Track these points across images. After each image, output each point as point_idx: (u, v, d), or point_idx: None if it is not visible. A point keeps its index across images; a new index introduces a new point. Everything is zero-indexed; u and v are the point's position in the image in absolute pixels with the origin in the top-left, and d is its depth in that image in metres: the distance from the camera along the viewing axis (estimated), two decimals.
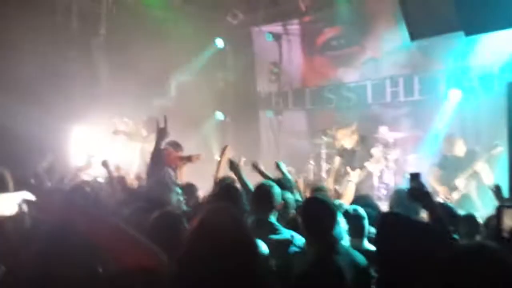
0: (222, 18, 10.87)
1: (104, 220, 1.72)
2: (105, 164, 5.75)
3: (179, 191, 4.48)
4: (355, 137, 7.79)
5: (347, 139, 7.80)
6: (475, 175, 6.86)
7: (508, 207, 1.96)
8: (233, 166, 4.87)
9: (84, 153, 7.34)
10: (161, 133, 4.64)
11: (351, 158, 7.59)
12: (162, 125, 4.65)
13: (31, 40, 8.48)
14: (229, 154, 5.36)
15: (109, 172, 5.66)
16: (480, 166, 6.81)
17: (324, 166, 9.42)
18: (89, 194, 4.24)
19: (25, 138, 7.78)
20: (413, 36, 5.94)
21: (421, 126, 8.85)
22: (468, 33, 5.58)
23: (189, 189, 4.93)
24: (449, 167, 7.18)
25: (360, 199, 4.72)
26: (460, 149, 7.16)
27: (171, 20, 9.87)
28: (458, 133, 7.59)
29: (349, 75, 10.40)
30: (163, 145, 4.88)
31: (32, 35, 8.42)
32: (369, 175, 7.65)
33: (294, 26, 11.02)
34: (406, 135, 8.78)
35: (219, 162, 5.46)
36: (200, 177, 6.28)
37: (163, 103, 10.59)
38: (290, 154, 10.53)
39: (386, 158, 8.06)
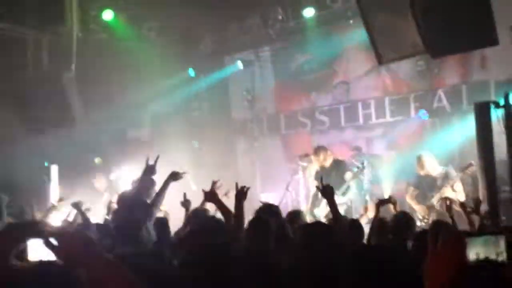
0: (194, 48, 10.95)
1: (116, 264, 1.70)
2: (76, 206, 5.67)
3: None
4: (330, 156, 7.93)
5: (328, 159, 7.92)
6: (451, 193, 6.97)
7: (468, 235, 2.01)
8: (210, 196, 4.51)
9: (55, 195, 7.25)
10: (149, 170, 4.58)
11: (327, 181, 7.64)
12: (151, 163, 4.59)
13: (2, 78, 8.43)
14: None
15: (81, 213, 5.57)
16: (455, 184, 6.93)
17: (302, 190, 9.44)
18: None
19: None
20: (381, 61, 6.08)
21: (394, 146, 9.00)
22: (434, 55, 5.76)
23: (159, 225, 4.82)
24: (424, 186, 7.29)
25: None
26: (433, 168, 7.28)
27: (143, 52, 9.90)
28: (430, 153, 7.72)
29: (322, 99, 10.56)
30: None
31: (2, 73, 8.37)
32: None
33: (266, 53, 11.16)
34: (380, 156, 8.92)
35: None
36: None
37: (138, 135, 10.57)
38: (267, 180, 10.56)
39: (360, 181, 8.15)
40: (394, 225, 4.33)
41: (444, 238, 1.55)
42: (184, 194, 5.36)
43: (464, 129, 7.71)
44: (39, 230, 1.73)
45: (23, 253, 2.63)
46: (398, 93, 9.47)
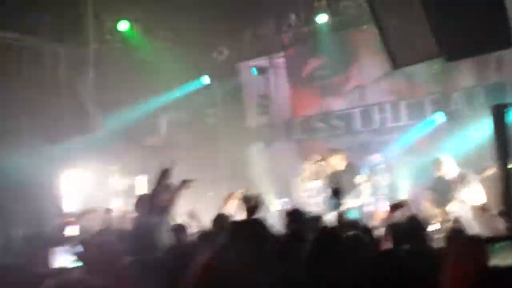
0: (208, 55, 11.03)
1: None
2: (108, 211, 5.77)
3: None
4: (344, 163, 7.97)
5: (339, 163, 7.94)
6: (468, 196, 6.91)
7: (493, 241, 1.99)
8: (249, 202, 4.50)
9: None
10: (164, 175, 4.63)
11: (340, 184, 7.64)
12: (167, 167, 4.64)
13: (20, 86, 8.58)
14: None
15: (109, 218, 5.65)
16: (473, 188, 6.87)
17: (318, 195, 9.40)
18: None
19: (17, 185, 7.79)
20: (396, 65, 6.04)
21: (411, 150, 8.94)
22: (449, 59, 5.72)
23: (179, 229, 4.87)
24: (442, 189, 7.22)
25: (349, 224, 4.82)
26: (450, 171, 7.22)
27: (158, 60, 10.00)
28: (447, 156, 7.66)
29: (337, 104, 10.55)
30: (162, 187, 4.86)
31: (20, 82, 8.52)
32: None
33: (279, 59, 11.18)
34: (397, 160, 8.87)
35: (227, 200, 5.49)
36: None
37: (154, 142, 10.66)
38: (282, 186, 10.55)
39: (375, 184, 8.11)
40: (405, 229, 4.29)
41: (463, 242, 1.55)
42: (190, 211, 5.42)
43: (480, 131, 7.65)
44: (65, 238, 1.79)
45: (47, 260, 2.70)
46: (413, 97, 9.42)
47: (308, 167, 8.29)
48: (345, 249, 3.24)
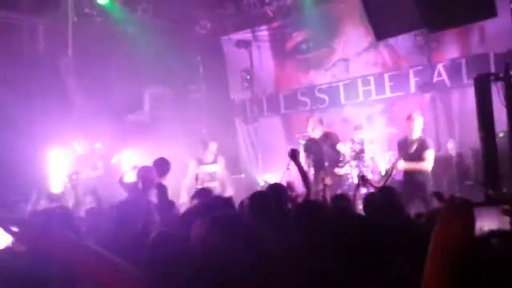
0: (191, 29, 10.86)
1: (80, 245, 1.74)
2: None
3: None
4: (320, 127, 7.68)
5: (316, 130, 7.68)
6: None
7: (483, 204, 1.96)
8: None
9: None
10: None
11: (319, 153, 7.54)
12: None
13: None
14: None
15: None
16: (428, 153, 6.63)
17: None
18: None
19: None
20: (379, 36, 6.02)
21: (395, 123, 8.95)
22: (432, 29, 5.71)
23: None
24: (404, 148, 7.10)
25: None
26: (416, 130, 6.75)
27: (139, 35, 9.83)
28: (431, 128, 7.67)
29: (321, 77, 10.51)
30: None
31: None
32: (345, 174, 7.72)
33: (263, 32, 11.07)
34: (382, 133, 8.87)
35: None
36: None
37: (138, 118, 10.55)
38: (269, 160, 10.58)
39: (358, 155, 7.97)
40: (376, 200, 4.31)
41: (451, 206, 1.53)
42: None
43: (464, 103, 7.68)
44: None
45: None
46: (397, 69, 9.41)
47: None
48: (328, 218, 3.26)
